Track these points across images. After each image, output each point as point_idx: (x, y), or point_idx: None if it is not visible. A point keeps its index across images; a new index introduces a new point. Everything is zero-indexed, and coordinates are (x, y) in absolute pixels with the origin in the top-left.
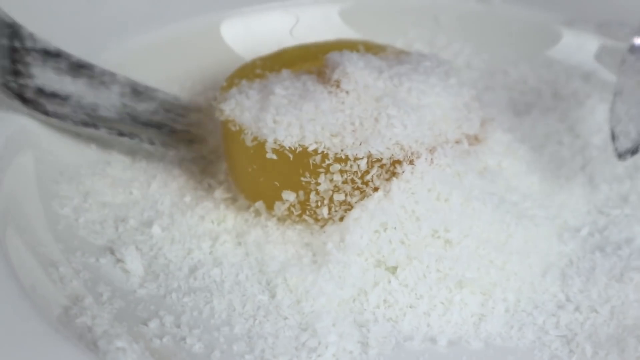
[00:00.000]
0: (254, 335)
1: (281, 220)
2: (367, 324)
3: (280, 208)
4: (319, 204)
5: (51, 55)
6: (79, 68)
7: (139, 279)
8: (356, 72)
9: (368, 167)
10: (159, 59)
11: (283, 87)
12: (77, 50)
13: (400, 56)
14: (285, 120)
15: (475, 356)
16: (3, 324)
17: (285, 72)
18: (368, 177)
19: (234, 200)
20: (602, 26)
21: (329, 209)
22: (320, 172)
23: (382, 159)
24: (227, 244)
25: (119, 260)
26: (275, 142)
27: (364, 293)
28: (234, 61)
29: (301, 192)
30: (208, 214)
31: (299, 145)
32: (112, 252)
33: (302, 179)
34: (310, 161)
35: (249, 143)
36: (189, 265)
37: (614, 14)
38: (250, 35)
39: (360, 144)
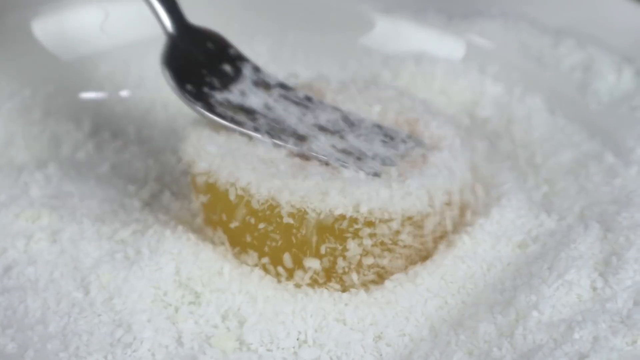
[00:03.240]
0: (69, 332)
1: (298, 286)
2: (183, 320)
3: (302, 277)
4: (346, 269)
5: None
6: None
7: None
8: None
9: (400, 226)
10: None
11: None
12: None
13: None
14: (306, 182)
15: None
16: None
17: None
18: (400, 237)
19: (50, 197)
20: (419, 13)
21: (358, 273)
22: (347, 237)
23: (413, 216)
24: (42, 241)
25: None
26: (292, 207)
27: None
28: (48, 60)
29: (325, 259)
30: (23, 212)
31: (325, 209)
32: None
33: (327, 245)
34: (336, 226)
35: (256, 205)
36: (3, 265)
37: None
38: (63, 32)
39: (389, 204)
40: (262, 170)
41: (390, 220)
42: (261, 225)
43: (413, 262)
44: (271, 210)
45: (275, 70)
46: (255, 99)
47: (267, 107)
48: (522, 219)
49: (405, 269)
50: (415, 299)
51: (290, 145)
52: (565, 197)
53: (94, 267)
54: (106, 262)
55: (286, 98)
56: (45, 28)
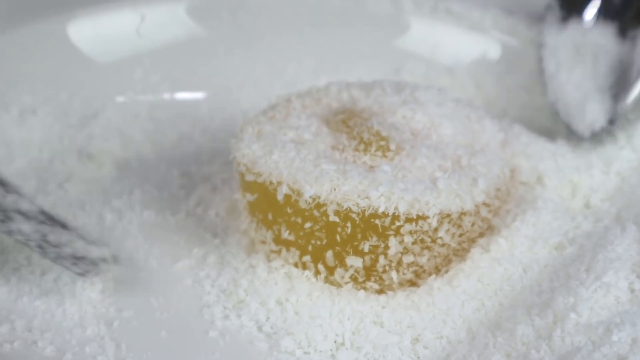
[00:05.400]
0: (106, 336)
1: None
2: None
3: (342, 275)
4: (387, 268)
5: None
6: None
7: None
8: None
9: (438, 223)
10: (4, 65)
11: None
12: None
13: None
14: (350, 181)
15: None
16: None
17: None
18: (438, 234)
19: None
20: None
21: (397, 272)
22: (389, 235)
23: (451, 213)
24: None
25: None
26: (338, 205)
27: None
28: (84, 64)
29: (367, 257)
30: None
31: (368, 206)
32: None
33: (369, 243)
34: (379, 223)
35: (303, 205)
36: (41, 268)
37: None
38: (99, 35)
39: (428, 201)
40: (309, 170)
41: (428, 217)
42: (307, 225)
43: (449, 262)
44: (318, 209)
45: (310, 71)
46: None
47: None
48: (558, 221)
49: (442, 269)
50: (452, 301)
51: None
52: (602, 199)
53: None
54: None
55: None
56: (81, 32)
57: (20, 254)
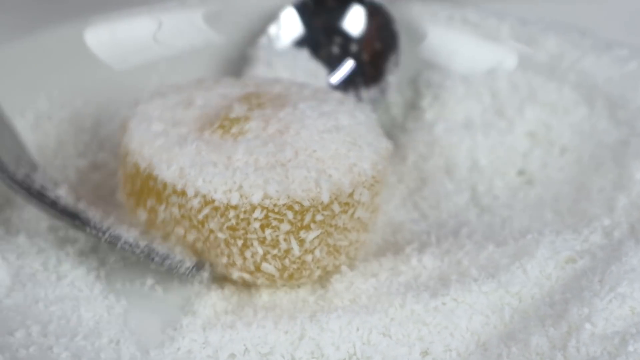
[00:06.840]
0: (122, 342)
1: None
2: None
3: (140, 217)
4: (162, 232)
5: None
6: None
7: (5, 289)
8: None
9: (201, 206)
10: (21, 71)
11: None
12: None
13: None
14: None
15: None
16: None
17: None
18: (200, 217)
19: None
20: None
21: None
22: (162, 201)
23: (214, 200)
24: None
25: None
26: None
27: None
28: (99, 69)
29: (152, 215)
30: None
31: (148, 166)
32: None
33: (149, 200)
34: (154, 186)
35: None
36: (57, 273)
37: None
38: (116, 42)
39: (203, 182)
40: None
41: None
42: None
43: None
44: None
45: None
46: None
47: None
48: (562, 236)
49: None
50: (458, 315)
51: None
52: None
53: None
54: None
55: None
56: (98, 38)
57: (35, 259)
